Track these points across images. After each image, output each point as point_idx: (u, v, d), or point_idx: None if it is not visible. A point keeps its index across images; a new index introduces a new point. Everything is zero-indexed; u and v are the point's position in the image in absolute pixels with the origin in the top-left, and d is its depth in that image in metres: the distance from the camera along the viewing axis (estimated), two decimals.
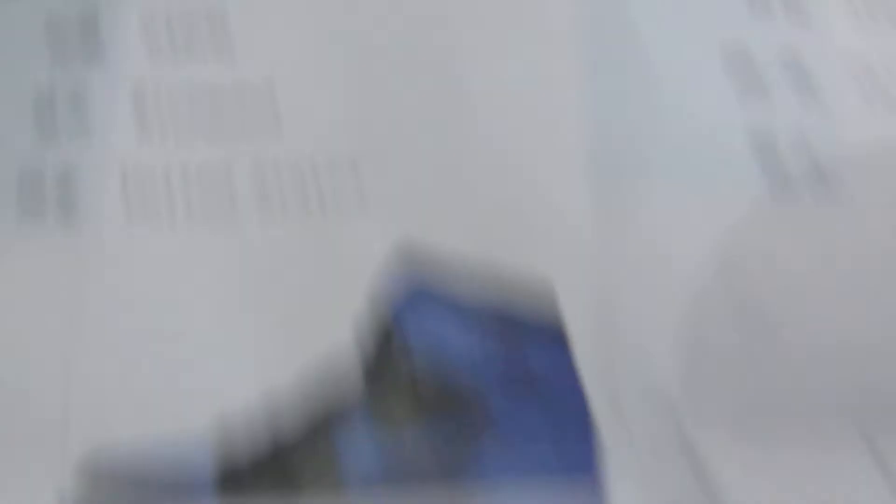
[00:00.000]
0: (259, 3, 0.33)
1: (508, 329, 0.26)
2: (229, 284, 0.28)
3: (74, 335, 0.27)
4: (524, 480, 0.24)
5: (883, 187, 0.29)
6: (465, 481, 0.24)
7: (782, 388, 0.25)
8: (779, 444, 0.24)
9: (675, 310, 0.26)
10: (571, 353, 0.25)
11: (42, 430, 0.26)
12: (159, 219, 0.29)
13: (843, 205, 0.29)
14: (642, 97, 0.31)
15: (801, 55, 0.32)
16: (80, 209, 0.29)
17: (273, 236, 0.28)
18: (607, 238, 0.28)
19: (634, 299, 0.26)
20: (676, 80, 0.31)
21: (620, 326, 0.26)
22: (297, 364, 0.26)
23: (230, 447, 0.25)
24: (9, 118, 0.30)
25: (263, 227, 0.29)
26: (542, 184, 0.29)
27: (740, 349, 0.25)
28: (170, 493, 0.24)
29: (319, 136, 0.30)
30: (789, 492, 0.23)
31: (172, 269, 0.28)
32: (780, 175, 0.29)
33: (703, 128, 0.30)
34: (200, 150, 0.30)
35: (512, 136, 0.30)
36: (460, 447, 0.24)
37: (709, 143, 0.30)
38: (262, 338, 0.27)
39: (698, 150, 0.30)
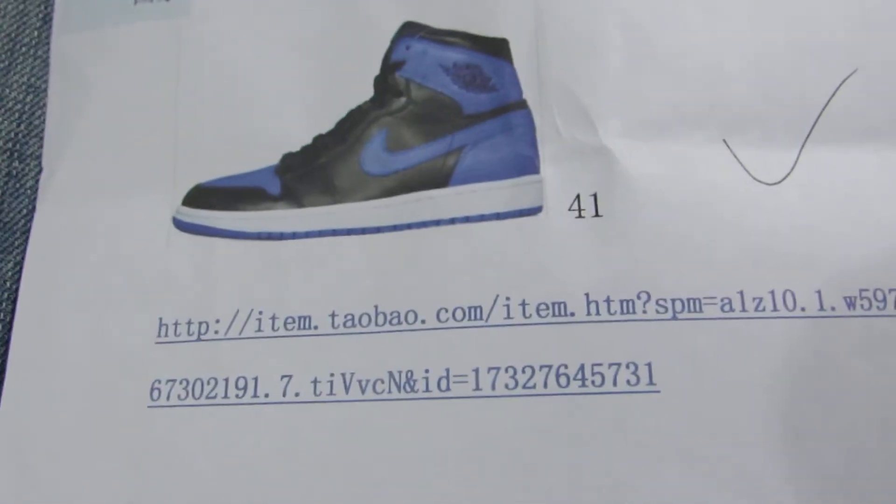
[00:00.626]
0: None
1: (475, 58, 0.35)
2: (289, 54, 0.36)
3: (178, 97, 0.36)
4: (491, 182, 0.33)
5: None
6: (452, 185, 0.34)
7: (663, 100, 0.33)
8: (662, 141, 0.33)
9: (589, 57, 0.34)
10: (516, 74, 0.34)
11: (158, 169, 0.36)
12: None
13: None
14: None
15: None
16: None
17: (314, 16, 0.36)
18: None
19: (564, 47, 0.34)
20: None
21: (554, 74, 0.34)
22: (336, 116, 0.35)
23: (290, 171, 0.35)
24: None
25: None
26: None
27: (631, 76, 0.33)
28: (249, 199, 0.35)
29: None
30: (668, 173, 0.32)
31: (249, 36, 0.36)
32: None
33: None
34: None
35: None
36: (448, 158, 0.34)
37: None
38: (313, 97, 0.35)
39: None
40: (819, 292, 0.31)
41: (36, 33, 0.39)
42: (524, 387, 0.31)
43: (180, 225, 0.35)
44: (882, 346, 0.30)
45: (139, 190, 0.36)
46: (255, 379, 0.32)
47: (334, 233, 0.34)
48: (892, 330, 0.30)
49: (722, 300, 0.31)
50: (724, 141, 0.33)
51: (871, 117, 0.32)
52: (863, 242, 0.31)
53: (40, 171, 0.37)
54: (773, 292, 0.31)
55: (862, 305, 0.31)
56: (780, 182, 0.32)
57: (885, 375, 0.30)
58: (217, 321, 0.33)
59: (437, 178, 0.34)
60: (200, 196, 0.35)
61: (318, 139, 0.35)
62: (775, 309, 0.31)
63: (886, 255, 0.31)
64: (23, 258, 0.36)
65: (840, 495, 0.29)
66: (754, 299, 0.31)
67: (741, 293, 0.31)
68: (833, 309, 0.31)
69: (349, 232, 0.34)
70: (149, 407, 0.33)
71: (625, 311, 0.31)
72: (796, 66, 0.33)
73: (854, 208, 0.32)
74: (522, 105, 0.34)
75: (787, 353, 0.30)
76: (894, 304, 0.31)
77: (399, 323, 0.32)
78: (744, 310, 0.31)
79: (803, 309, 0.31)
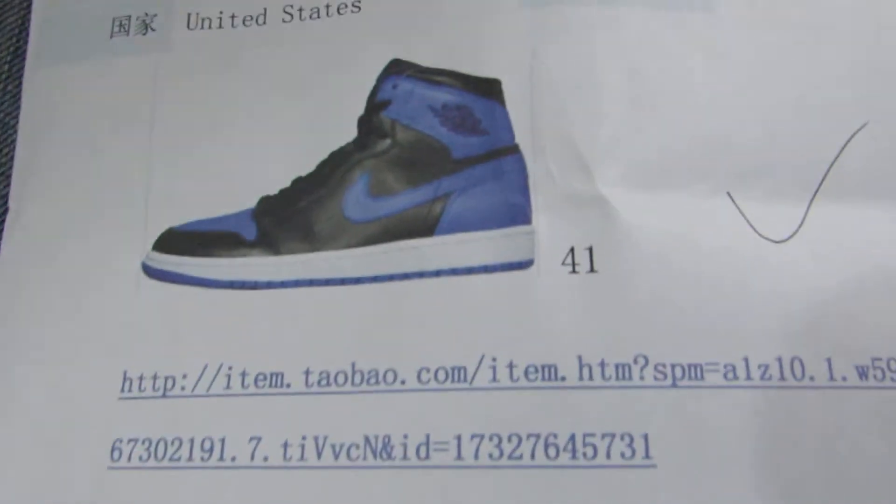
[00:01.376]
0: None
1: (465, 99, 0.33)
2: (269, 93, 0.34)
3: (152, 136, 0.35)
4: (480, 232, 0.32)
5: None
6: (437, 234, 0.32)
7: (664, 148, 0.31)
8: (663, 191, 0.31)
9: (586, 100, 0.32)
10: (508, 116, 0.32)
11: (129, 211, 0.34)
12: (212, 24, 0.36)
13: None
14: None
15: None
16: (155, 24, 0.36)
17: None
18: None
19: (560, 90, 0.32)
20: None
21: (549, 117, 0.32)
22: (316, 158, 0.34)
23: (267, 215, 0.33)
24: None
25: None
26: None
27: (631, 121, 0.32)
28: (223, 244, 0.33)
29: None
30: (669, 226, 0.30)
31: (228, 73, 0.35)
32: None
33: None
34: None
35: None
36: (435, 205, 0.32)
37: None
38: (293, 137, 0.34)
39: None
40: (829, 360, 0.29)
41: (6, 67, 0.37)
42: (510, 457, 0.29)
43: (149, 271, 0.33)
44: None
45: (108, 233, 0.34)
46: (222, 441, 0.30)
47: (311, 283, 0.32)
48: None
49: (725, 367, 0.29)
50: (729, 194, 0.31)
51: (882, 174, 0.31)
52: (876, 307, 0.29)
53: (6, 212, 0.35)
54: (780, 359, 0.29)
55: (875, 376, 0.29)
56: (787, 240, 0.30)
57: None
58: (184, 376, 0.31)
59: (422, 226, 0.32)
60: (172, 240, 0.33)
61: (298, 182, 0.33)
62: (782, 378, 0.29)
63: None
64: None
65: None
66: (759, 367, 0.29)
67: (746, 360, 0.29)
68: (844, 379, 0.29)
69: (327, 282, 0.32)
70: (109, 468, 0.31)
71: (620, 376, 0.29)
72: (804, 118, 0.31)
73: (866, 270, 0.30)
74: (514, 150, 0.32)
75: (795, 428, 0.28)
76: None
77: (377, 382, 0.30)
78: (748, 378, 0.29)
79: (812, 378, 0.29)
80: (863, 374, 0.29)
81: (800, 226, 0.30)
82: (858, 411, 0.28)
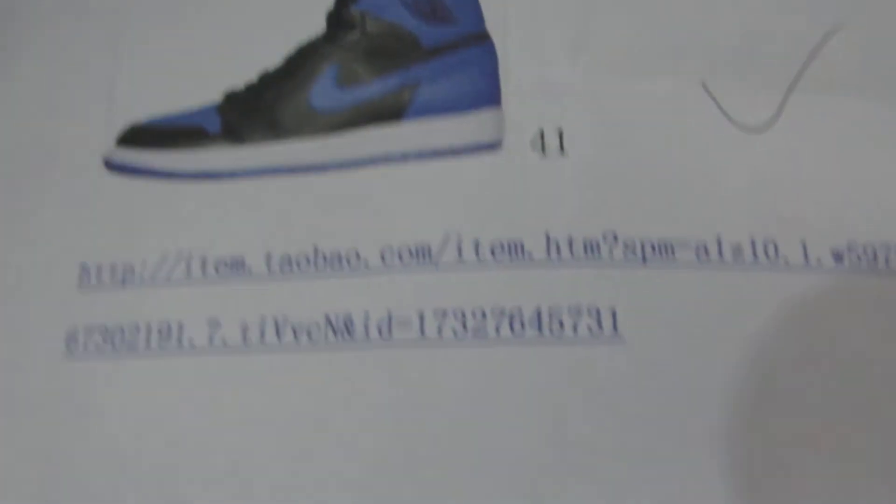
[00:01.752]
0: None
1: None
2: None
3: (117, 33, 0.34)
4: (448, 115, 0.31)
5: None
6: (405, 119, 0.31)
7: (637, 36, 0.31)
8: (636, 78, 0.30)
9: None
10: (478, 4, 0.32)
11: (91, 108, 0.33)
12: None
13: None
14: None
15: None
16: None
17: None
18: None
19: None
20: None
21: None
22: (284, 52, 0.33)
23: (232, 109, 0.32)
24: None
25: None
26: None
27: (603, 8, 0.31)
28: (187, 138, 0.32)
29: None
30: (641, 111, 0.30)
31: None
32: None
33: None
34: None
35: None
36: (403, 93, 0.32)
37: None
38: (259, 32, 0.33)
39: None
40: (804, 243, 0.28)
41: None
42: (473, 334, 0.28)
43: (112, 165, 0.32)
44: (873, 307, 0.28)
45: (71, 128, 0.33)
46: (180, 326, 0.29)
47: (275, 171, 0.31)
48: (885, 290, 0.28)
49: (696, 245, 0.28)
50: (703, 84, 0.30)
51: (858, 70, 0.30)
52: (851, 195, 0.29)
53: None
54: (753, 241, 0.28)
55: (851, 260, 0.28)
56: (762, 128, 0.30)
57: (877, 341, 0.27)
58: (143, 264, 0.30)
59: (389, 112, 0.31)
60: (136, 135, 0.33)
61: (265, 76, 0.33)
62: (755, 257, 0.28)
63: (877, 210, 0.29)
64: None
65: (819, 460, 0.26)
66: (732, 246, 0.28)
67: (718, 239, 0.28)
68: (819, 262, 0.28)
69: (292, 170, 0.31)
70: (65, 358, 0.30)
71: (588, 252, 0.28)
72: (780, 12, 0.31)
73: (841, 159, 0.29)
74: (484, 37, 0.32)
75: (768, 308, 0.28)
76: (886, 261, 0.28)
77: (339, 264, 0.29)
78: (720, 256, 0.28)
79: (787, 261, 0.28)
80: (838, 258, 0.28)
81: (774, 116, 0.30)
82: (834, 296, 0.28)
